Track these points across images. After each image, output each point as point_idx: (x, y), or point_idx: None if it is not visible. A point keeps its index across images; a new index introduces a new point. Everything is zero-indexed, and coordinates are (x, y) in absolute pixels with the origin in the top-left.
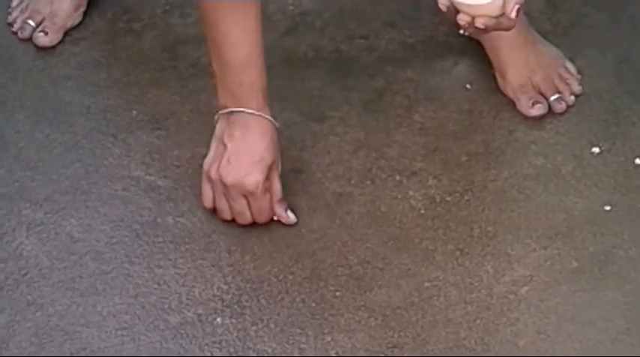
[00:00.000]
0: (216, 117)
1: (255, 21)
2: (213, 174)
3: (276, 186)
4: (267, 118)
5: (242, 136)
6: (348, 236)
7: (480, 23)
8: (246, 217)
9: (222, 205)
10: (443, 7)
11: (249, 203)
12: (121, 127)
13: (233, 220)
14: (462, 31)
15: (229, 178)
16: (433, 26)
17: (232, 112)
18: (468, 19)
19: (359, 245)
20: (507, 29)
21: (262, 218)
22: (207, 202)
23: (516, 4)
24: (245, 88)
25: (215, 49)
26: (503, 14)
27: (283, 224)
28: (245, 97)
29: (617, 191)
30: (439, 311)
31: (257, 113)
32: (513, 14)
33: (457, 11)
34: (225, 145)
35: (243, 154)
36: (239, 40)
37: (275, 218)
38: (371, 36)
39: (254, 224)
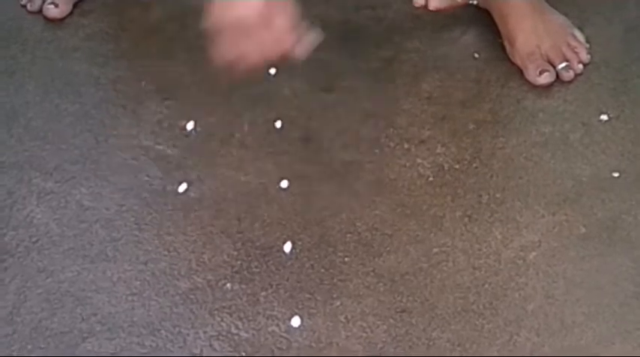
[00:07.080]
0: None
1: None
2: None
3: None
4: None
5: None
6: (357, 203)
7: (432, 6)
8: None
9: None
10: None
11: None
12: (130, 98)
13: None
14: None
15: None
16: None
17: None
18: (422, 2)
19: (367, 212)
20: (463, 5)
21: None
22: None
23: None
24: None
25: None
26: None
27: (292, 192)
28: None
29: (625, 158)
30: (447, 276)
31: None
32: None
33: None
34: None
35: None
36: None
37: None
38: (379, 6)
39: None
